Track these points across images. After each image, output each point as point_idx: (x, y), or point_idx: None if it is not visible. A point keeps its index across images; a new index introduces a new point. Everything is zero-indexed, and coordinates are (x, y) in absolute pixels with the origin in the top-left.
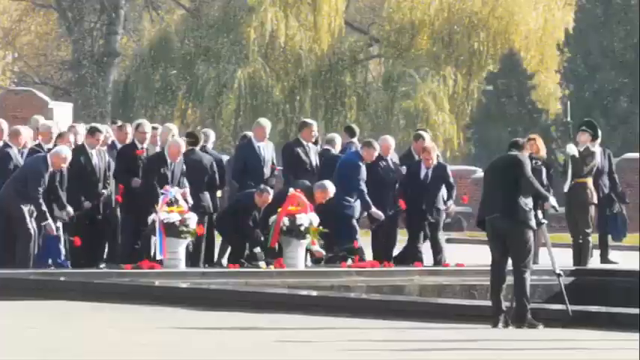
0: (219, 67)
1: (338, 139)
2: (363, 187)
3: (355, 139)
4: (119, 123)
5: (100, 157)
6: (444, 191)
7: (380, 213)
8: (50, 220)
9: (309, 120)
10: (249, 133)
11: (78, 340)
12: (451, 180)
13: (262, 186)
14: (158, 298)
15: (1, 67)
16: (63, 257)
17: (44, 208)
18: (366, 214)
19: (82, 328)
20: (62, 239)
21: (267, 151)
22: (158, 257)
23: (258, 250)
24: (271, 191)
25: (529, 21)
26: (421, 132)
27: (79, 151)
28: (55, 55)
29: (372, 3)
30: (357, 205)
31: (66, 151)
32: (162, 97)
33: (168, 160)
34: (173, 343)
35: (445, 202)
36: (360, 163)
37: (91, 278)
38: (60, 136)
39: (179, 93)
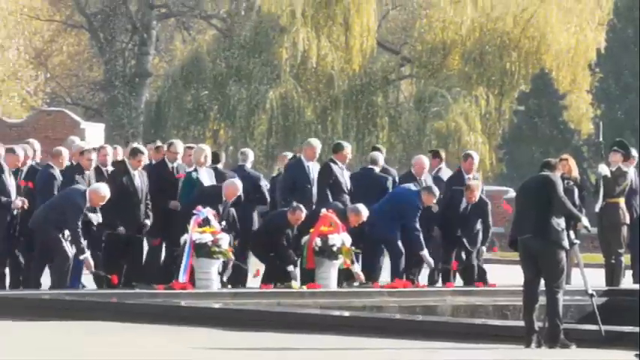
0: (251, 88)
1: (381, 158)
2: (419, 228)
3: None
4: (157, 143)
5: (141, 179)
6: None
7: (430, 261)
8: (88, 255)
9: (344, 142)
10: (294, 154)
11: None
12: (489, 220)
13: (295, 204)
14: (190, 319)
15: (33, 88)
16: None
17: (83, 243)
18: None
19: (115, 348)
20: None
21: (315, 171)
22: (180, 280)
23: (291, 268)
24: (304, 209)
25: (561, 41)
26: (470, 152)
27: (122, 172)
28: (86, 75)
29: (403, 23)
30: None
31: (104, 190)
32: (194, 117)
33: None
34: None
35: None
36: (420, 207)
37: (124, 299)
38: (82, 153)
39: (211, 113)
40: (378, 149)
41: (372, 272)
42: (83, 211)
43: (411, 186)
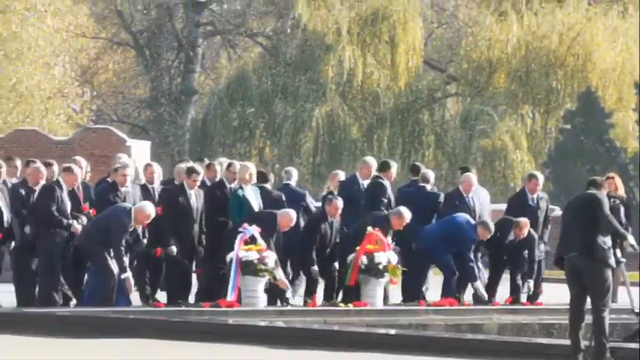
0: (297, 106)
1: (431, 175)
2: (473, 259)
3: (419, 177)
4: (207, 161)
5: (197, 199)
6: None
7: (484, 294)
8: (129, 274)
9: (391, 161)
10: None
11: None
12: (535, 256)
13: (330, 195)
14: (236, 337)
15: (79, 105)
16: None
17: (126, 262)
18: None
19: None
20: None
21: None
22: (229, 298)
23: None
24: (340, 200)
25: (606, 59)
26: (535, 172)
27: (179, 191)
28: (132, 93)
29: (449, 41)
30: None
31: (150, 209)
32: (240, 135)
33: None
34: None
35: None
36: (475, 239)
37: (170, 316)
38: (116, 170)
39: (257, 131)
40: (417, 167)
41: (416, 290)
42: (127, 230)
43: (469, 218)
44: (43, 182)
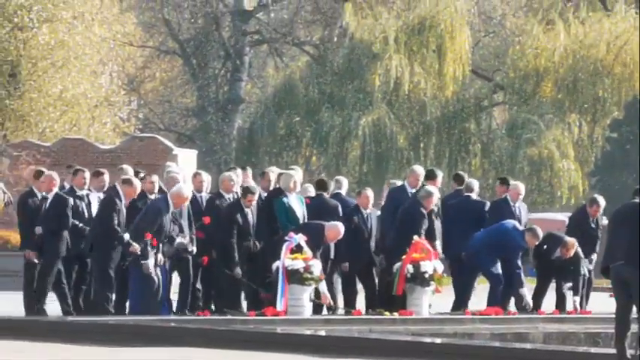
0: (344, 114)
1: (476, 184)
2: (520, 266)
3: (463, 187)
4: (266, 170)
5: (253, 215)
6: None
7: (530, 301)
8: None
9: (438, 170)
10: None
11: None
12: (580, 273)
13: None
14: (282, 345)
15: (126, 114)
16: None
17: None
18: None
19: None
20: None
21: None
22: (278, 307)
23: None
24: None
25: None
26: (597, 197)
27: (235, 208)
28: (179, 101)
29: (496, 50)
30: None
31: (187, 191)
32: (287, 143)
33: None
34: None
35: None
36: (524, 247)
37: (216, 325)
38: (142, 178)
39: (303, 140)
40: (461, 176)
41: (462, 299)
42: (162, 215)
43: (517, 225)
44: (55, 190)
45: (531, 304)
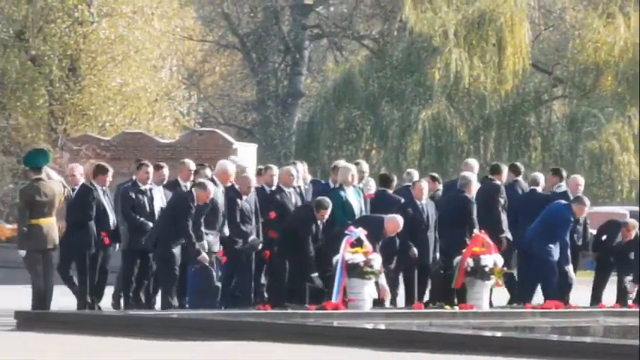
0: (403, 108)
1: (541, 178)
2: (568, 242)
3: (520, 177)
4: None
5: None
6: None
7: (573, 276)
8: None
9: (502, 164)
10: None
11: None
12: None
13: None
14: (341, 339)
15: (185, 108)
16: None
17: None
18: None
19: None
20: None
21: None
22: (334, 300)
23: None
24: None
25: None
26: None
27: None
28: (239, 95)
29: (556, 44)
30: (557, 250)
31: (230, 166)
32: (346, 137)
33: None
34: None
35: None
36: (571, 219)
37: (276, 318)
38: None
39: (363, 133)
40: (517, 167)
41: (526, 293)
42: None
43: (563, 201)
44: (82, 182)
45: (574, 278)
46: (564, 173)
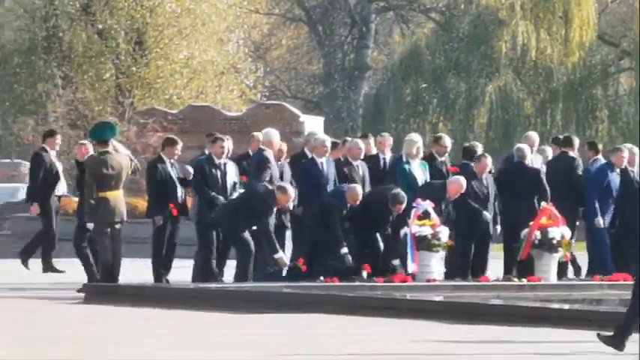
0: (470, 81)
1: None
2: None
3: (600, 156)
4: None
5: None
6: None
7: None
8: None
9: (575, 138)
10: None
11: (339, 349)
12: None
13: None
14: (410, 312)
15: (252, 81)
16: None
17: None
18: None
19: (336, 339)
20: None
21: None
22: (410, 270)
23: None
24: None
25: None
26: None
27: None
28: (305, 68)
29: (623, 16)
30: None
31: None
32: (413, 110)
33: None
34: (429, 355)
35: None
36: (607, 170)
37: (344, 291)
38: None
39: (430, 106)
40: (596, 144)
41: (599, 265)
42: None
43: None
44: (91, 153)
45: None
46: (600, 146)
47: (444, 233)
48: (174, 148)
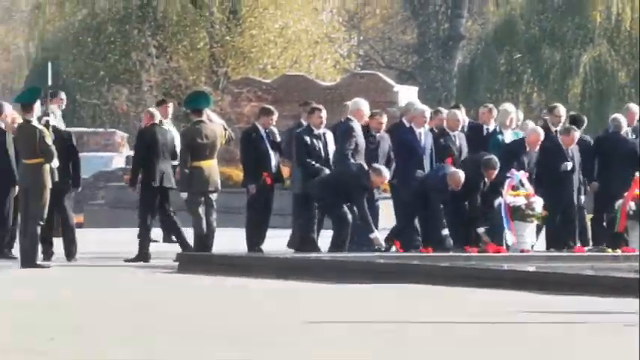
0: (564, 51)
1: None
2: None
3: None
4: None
5: None
6: None
7: None
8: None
9: None
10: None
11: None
12: None
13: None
14: (504, 282)
15: (346, 50)
16: None
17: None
18: None
19: (432, 309)
20: None
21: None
22: (509, 241)
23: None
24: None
25: None
26: None
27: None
28: (400, 38)
29: None
30: None
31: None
32: (507, 80)
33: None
34: (522, 325)
35: None
36: None
37: (437, 261)
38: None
39: (524, 77)
40: None
41: None
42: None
43: None
44: (158, 119)
45: None
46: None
47: (539, 203)
48: (270, 118)
